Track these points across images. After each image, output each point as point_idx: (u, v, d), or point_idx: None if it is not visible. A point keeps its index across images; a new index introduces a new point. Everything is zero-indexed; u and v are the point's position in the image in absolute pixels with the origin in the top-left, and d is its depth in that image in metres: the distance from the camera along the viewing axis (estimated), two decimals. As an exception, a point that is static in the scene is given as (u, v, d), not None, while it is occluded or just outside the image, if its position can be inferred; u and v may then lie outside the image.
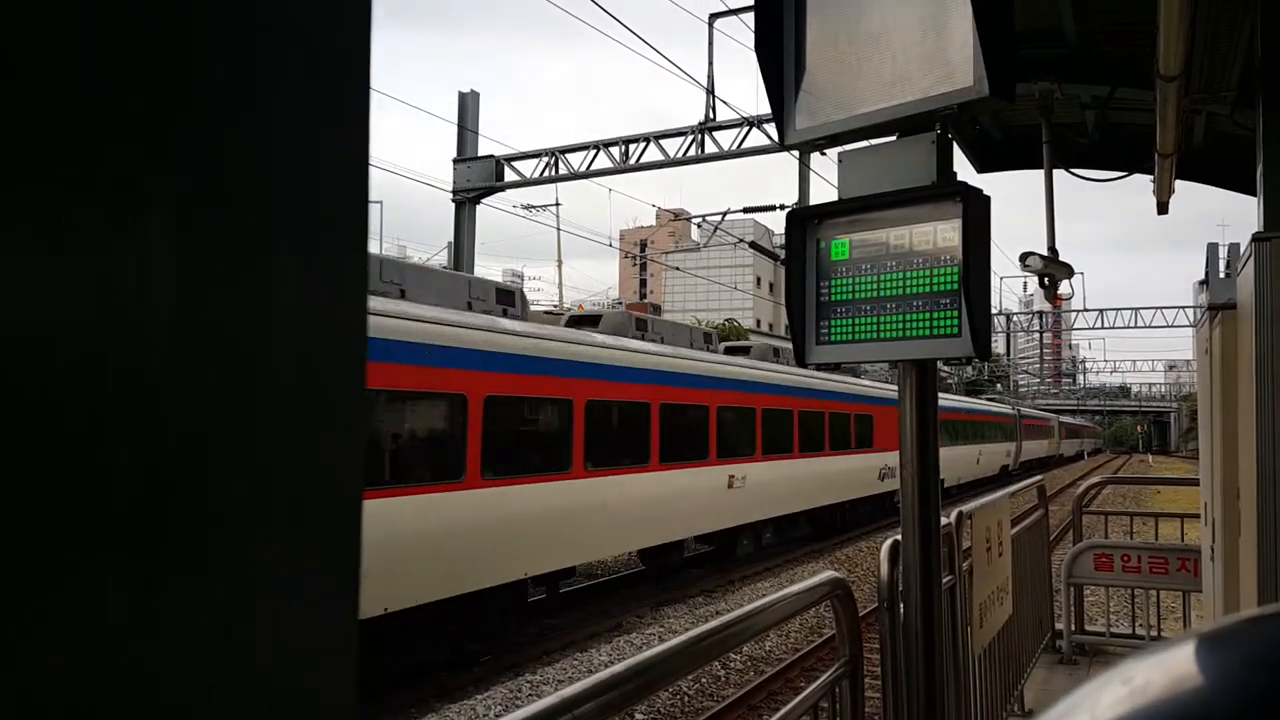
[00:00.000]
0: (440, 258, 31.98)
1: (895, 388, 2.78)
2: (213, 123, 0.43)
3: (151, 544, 0.40)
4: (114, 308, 0.39)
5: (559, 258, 41.48)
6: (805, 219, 2.80)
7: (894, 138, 2.68)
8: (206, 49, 0.43)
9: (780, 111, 2.83)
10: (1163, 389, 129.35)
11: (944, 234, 2.46)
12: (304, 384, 0.47)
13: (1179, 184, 6.63)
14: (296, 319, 0.46)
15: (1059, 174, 6.33)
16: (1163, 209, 7.02)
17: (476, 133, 21.85)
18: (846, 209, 2.70)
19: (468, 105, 22.01)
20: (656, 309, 20.71)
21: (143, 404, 0.40)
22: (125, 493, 0.39)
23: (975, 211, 2.40)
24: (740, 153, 19.06)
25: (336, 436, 0.49)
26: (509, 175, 21.63)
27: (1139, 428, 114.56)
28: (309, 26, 0.47)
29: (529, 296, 12.07)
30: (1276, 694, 0.36)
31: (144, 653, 0.40)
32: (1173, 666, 0.38)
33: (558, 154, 21.03)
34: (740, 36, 19.31)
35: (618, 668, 1.56)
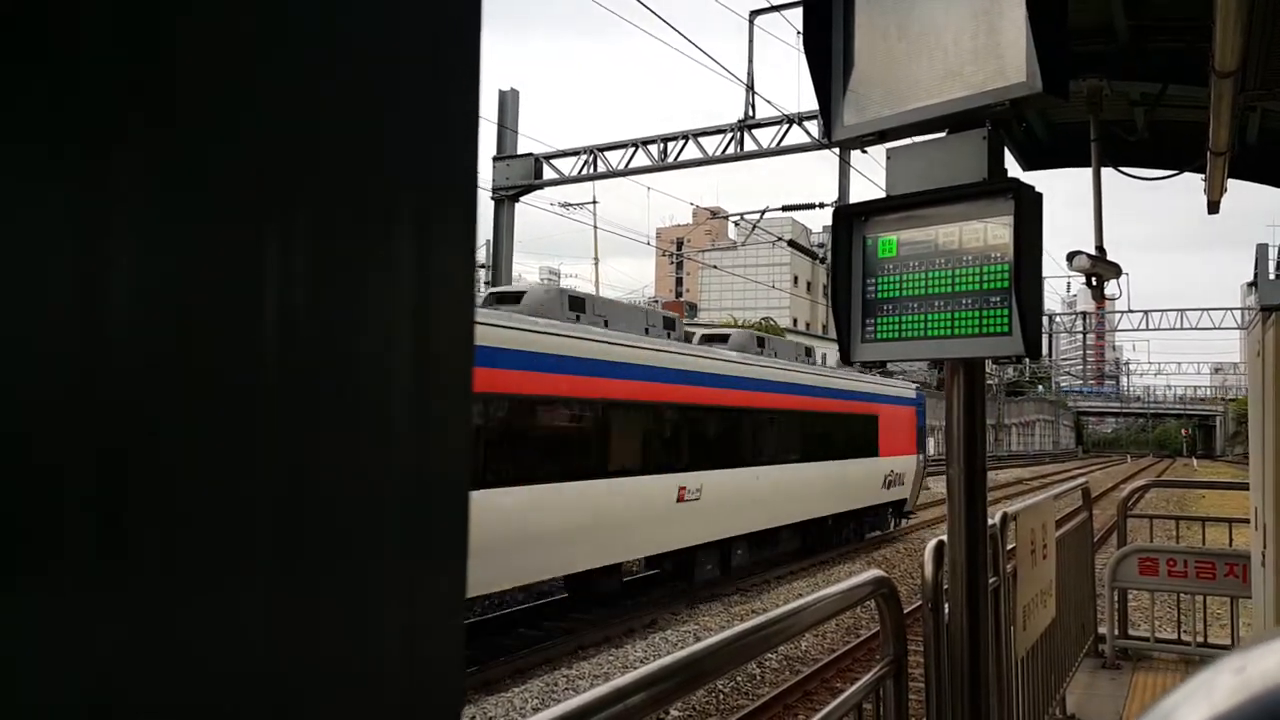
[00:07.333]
0: (478, 254, 32.04)
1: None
2: (337, 126, 0.43)
3: (284, 556, 0.41)
4: (232, 314, 0.39)
5: (596, 255, 41.54)
6: (852, 216, 2.78)
7: (943, 134, 2.65)
8: (334, 59, 0.43)
9: (827, 108, 2.81)
10: (1208, 392, 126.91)
11: (995, 231, 2.44)
12: (417, 389, 0.47)
13: (1229, 182, 6.50)
14: (410, 322, 0.47)
15: (1106, 172, 6.23)
16: (1214, 208, 6.88)
17: (516, 131, 21.94)
18: (895, 206, 2.68)
19: (507, 104, 22.11)
20: (693, 308, 21.04)
21: (262, 411, 0.40)
22: (256, 504, 0.40)
23: (1027, 208, 2.38)
24: (780, 150, 18.94)
25: (448, 440, 0.49)
26: (548, 173, 21.69)
27: (1183, 431, 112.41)
28: (428, 34, 0.48)
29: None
30: None
31: (274, 659, 0.41)
32: None
33: (596, 152, 21.04)
34: (781, 33, 19.22)
35: (667, 660, 1.57)
